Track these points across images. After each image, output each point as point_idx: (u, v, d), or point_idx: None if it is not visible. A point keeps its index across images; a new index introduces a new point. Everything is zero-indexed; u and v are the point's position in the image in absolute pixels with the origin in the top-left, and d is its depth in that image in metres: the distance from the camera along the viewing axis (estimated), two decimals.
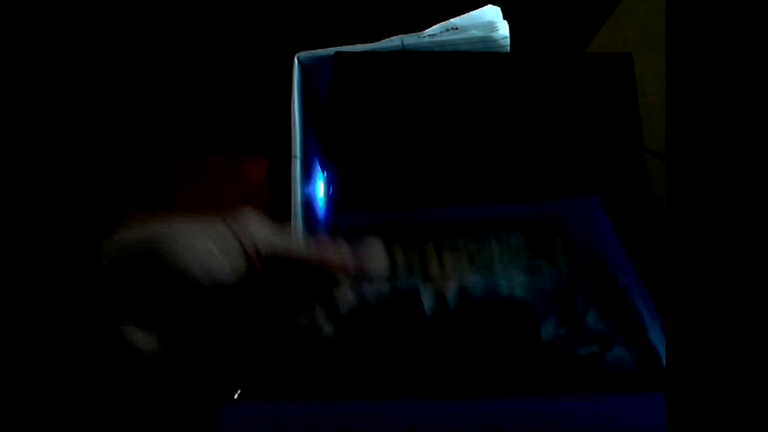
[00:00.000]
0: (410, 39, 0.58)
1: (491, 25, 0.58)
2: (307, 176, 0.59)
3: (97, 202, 0.31)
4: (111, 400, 0.33)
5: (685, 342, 0.29)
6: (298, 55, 0.59)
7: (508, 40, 0.58)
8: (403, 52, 0.57)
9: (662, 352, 0.44)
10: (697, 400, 0.29)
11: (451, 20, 0.59)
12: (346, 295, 0.36)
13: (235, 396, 0.39)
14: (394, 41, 0.58)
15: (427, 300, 0.44)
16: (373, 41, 0.58)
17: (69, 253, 0.30)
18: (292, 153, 0.56)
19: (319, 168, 0.63)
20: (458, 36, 0.57)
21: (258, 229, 0.35)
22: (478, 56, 0.57)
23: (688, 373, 0.29)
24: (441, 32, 0.58)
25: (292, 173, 0.56)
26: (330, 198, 0.54)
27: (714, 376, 0.29)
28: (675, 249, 0.30)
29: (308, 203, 0.58)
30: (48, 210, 0.29)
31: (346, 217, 0.50)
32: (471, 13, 0.59)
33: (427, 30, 0.59)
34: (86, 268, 0.30)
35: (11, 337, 0.28)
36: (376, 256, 0.37)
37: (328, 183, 0.56)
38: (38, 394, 0.29)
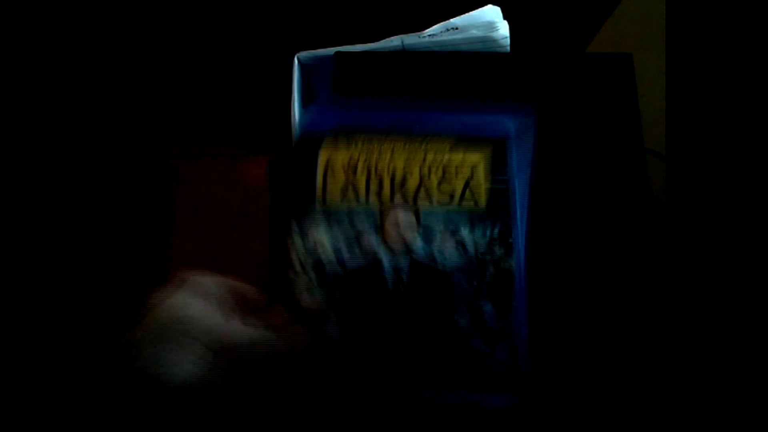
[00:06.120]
0: (410, 39, 0.58)
1: (491, 25, 0.58)
2: None
3: (96, 203, 0.31)
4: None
5: (690, 337, 0.29)
6: (298, 55, 0.59)
7: (508, 40, 0.58)
8: (403, 52, 0.57)
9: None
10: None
11: (451, 20, 0.59)
12: None
13: None
14: (394, 41, 0.58)
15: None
16: (373, 41, 0.58)
17: (67, 255, 0.30)
18: (292, 153, 0.56)
19: None
20: (458, 36, 0.57)
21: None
22: (478, 56, 0.57)
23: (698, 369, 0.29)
24: (441, 32, 0.58)
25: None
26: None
27: (726, 375, 0.29)
28: (675, 248, 0.30)
29: None
30: (47, 211, 0.29)
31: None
32: (471, 13, 0.59)
33: (427, 30, 0.59)
34: (84, 268, 0.30)
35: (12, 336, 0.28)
36: None
37: None
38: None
